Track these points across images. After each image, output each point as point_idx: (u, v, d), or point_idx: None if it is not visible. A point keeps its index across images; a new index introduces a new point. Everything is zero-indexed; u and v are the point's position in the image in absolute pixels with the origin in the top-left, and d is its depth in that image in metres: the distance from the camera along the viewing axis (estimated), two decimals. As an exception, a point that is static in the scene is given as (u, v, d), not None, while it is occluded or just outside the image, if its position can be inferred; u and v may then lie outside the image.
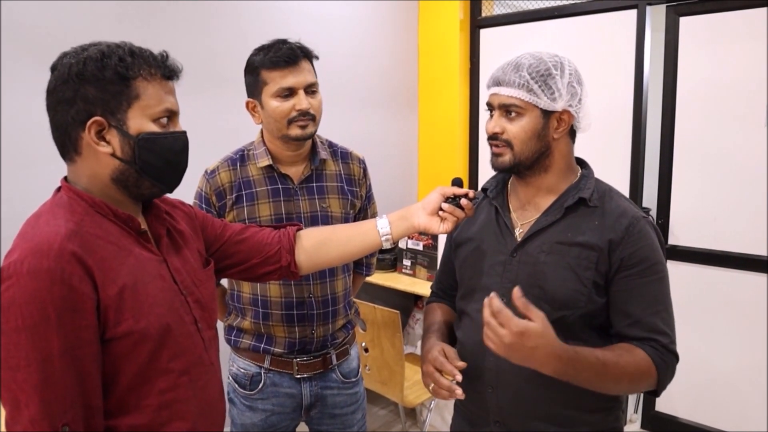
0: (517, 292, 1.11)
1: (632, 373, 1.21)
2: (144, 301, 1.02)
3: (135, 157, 1.03)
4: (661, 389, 1.27)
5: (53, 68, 1.02)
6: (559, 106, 1.26)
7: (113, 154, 1.03)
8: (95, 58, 1.00)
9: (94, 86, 0.99)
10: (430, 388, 1.31)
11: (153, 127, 1.04)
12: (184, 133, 1.11)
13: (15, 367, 0.90)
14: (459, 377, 1.25)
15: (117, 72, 1.00)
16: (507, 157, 1.30)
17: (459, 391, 1.25)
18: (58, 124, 1.03)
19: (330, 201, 1.73)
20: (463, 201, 1.32)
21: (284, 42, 1.61)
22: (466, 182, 3.63)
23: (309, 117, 1.60)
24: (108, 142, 1.02)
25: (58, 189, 1.07)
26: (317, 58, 1.68)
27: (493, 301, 1.13)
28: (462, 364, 1.29)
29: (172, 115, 1.08)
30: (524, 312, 1.11)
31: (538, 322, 1.10)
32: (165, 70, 1.06)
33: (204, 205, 1.68)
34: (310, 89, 1.62)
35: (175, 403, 1.06)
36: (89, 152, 1.03)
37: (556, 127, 1.29)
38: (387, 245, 1.40)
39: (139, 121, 1.03)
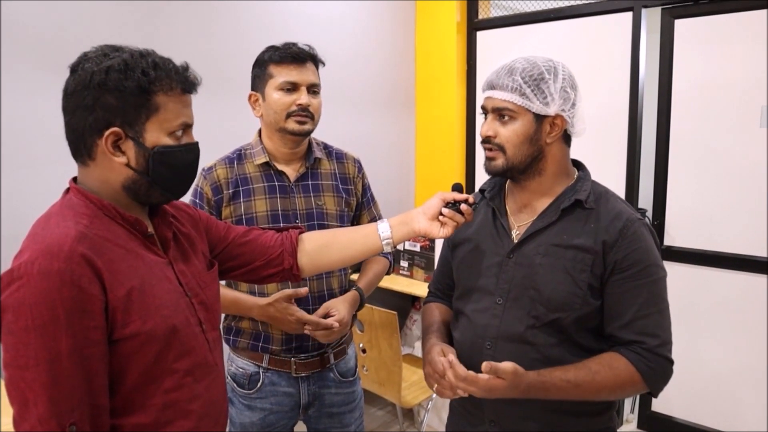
0: (485, 366, 1.19)
1: (610, 386, 1.24)
2: (151, 303, 1.03)
3: (149, 168, 1.04)
4: (655, 392, 1.28)
5: (73, 69, 1.02)
6: (551, 110, 1.27)
7: (127, 165, 1.04)
8: (118, 69, 1.00)
9: (115, 96, 1.00)
10: (434, 388, 1.33)
11: (168, 141, 1.05)
12: (197, 144, 1.12)
13: (24, 366, 0.91)
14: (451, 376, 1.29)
15: (139, 85, 1.00)
16: (500, 162, 1.31)
17: (461, 392, 1.28)
18: (74, 128, 1.03)
19: (325, 199, 1.76)
20: (463, 206, 1.33)
21: (294, 44, 1.67)
22: (463, 184, 3.63)
23: (308, 114, 1.66)
24: (123, 153, 1.03)
25: (67, 190, 1.08)
26: (323, 64, 1.73)
27: (457, 370, 1.24)
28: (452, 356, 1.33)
29: (186, 127, 1.09)
30: (493, 375, 1.20)
31: (507, 378, 1.19)
32: (185, 84, 1.07)
33: (197, 200, 1.71)
34: (312, 89, 1.68)
35: (179, 402, 1.07)
36: (103, 159, 1.04)
37: (549, 132, 1.30)
38: (387, 249, 1.41)
39: (156, 134, 1.04)
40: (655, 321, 1.26)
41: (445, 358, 1.29)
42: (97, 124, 1.01)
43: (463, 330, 1.41)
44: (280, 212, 1.71)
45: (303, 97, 1.64)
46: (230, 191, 1.70)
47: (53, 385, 0.91)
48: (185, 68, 1.08)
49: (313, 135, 1.76)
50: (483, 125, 1.34)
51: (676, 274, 2.99)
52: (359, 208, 1.88)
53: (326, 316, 1.65)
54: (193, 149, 1.11)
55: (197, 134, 1.13)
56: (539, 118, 1.28)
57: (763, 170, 2.73)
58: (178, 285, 1.12)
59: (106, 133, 1.01)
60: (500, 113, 1.29)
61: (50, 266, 0.91)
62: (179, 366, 1.07)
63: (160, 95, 1.03)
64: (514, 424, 1.33)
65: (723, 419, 2.97)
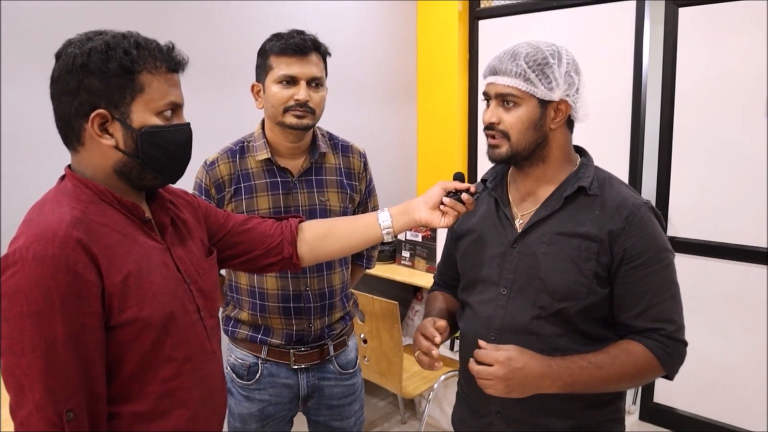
0: (482, 343, 1.24)
1: (631, 372, 1.23)
2: (148, 289, 1.02)
3: (138, 150, 1.03)
4: (672, 375, 1.28)
5: (58, 56, 1.02)
6: (556, 95, 1.25)
7: (116, 147, 1.03)
8: (100, 50, 0.99)
9: (98, 78, 0.99)
10: (416, 355, 1.34)
11: (156, 121, 1.04)
12: (188, 125, 1.11)
13: (20, 353, 0.90)
14: (438, 339, 1.30)
15: (122, 65, 0.99)
16: (504, 149, 1.29)
17: (436, 352, 1.31)
18: (61, 114, 1.02)
19: (329, 195, 1.72)
20: (464, 195, 1.32)
21: (300, 32, 1.60)
22: (465, 174, 3.62)
23: (306, 109, 1.59)
24: (111, 135, 1.02)
25: (62, 177, 1.07)
26: (330, 55, 1.66)
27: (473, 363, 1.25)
28: (443, 323, 1.35)
29: (176, 107, 1.08)
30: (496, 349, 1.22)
31: (510, 347, 1.22)
32: (170, 62, 1.05)
33: (204, 197, 1.67)
34: (314, 83, 1.61)
35: (177, 390, 1.07)
36: (92, 143, 1.03)
37: (554, 117, 1.28)
38: (388, 239, 1.40)
39: (143, 115, 1.02)
40: (669, 307, 1.26)
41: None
42: (82, 108, 1.00)
43: (467, 321, 1.40)
44: (282, 209, 1.67)
45: (301, 92, 1.57)
46: (232, 188, 1.67)
47: (49, 372, 0.91)
48: (170, 47, 1.07)
49: (317, 124, 1.70)
50: (486, 112, 1.31)
51: (678, 264, 2.95)
52: (361, 203, 1.84)
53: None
54: (184, 130, 1.09)
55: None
56: (544, 104, 1.26)
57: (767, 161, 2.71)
58: (176, 271, 1.11)
59: (92, 115, 1.00)
60: (504, 99, 1.27)
61: (45, 252, 0.91)
62: (177, 354, 1.06)
63: (144, 74, 1.02)
64: (521, 415, 1.32)
65: (725, 411, 2.96)
